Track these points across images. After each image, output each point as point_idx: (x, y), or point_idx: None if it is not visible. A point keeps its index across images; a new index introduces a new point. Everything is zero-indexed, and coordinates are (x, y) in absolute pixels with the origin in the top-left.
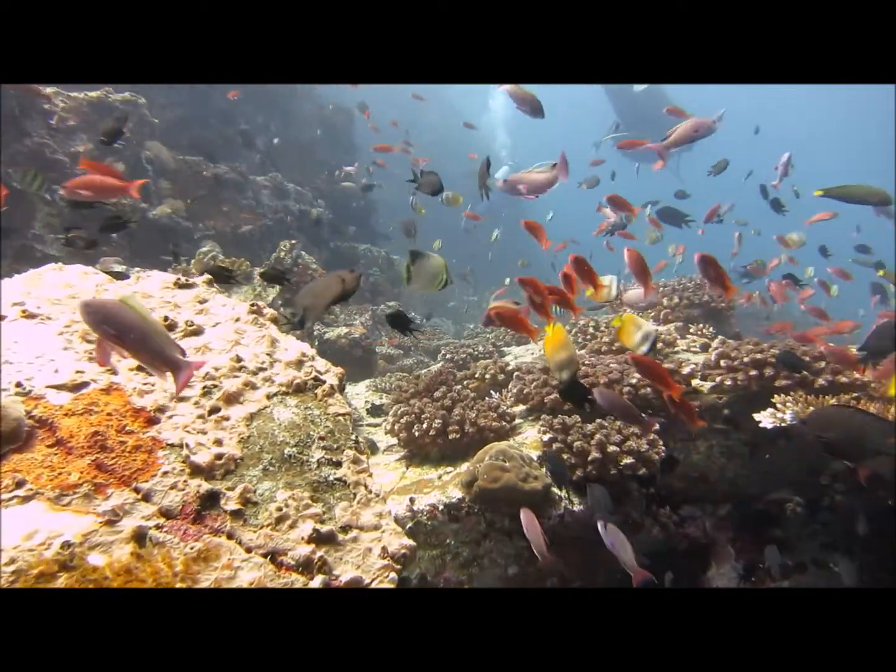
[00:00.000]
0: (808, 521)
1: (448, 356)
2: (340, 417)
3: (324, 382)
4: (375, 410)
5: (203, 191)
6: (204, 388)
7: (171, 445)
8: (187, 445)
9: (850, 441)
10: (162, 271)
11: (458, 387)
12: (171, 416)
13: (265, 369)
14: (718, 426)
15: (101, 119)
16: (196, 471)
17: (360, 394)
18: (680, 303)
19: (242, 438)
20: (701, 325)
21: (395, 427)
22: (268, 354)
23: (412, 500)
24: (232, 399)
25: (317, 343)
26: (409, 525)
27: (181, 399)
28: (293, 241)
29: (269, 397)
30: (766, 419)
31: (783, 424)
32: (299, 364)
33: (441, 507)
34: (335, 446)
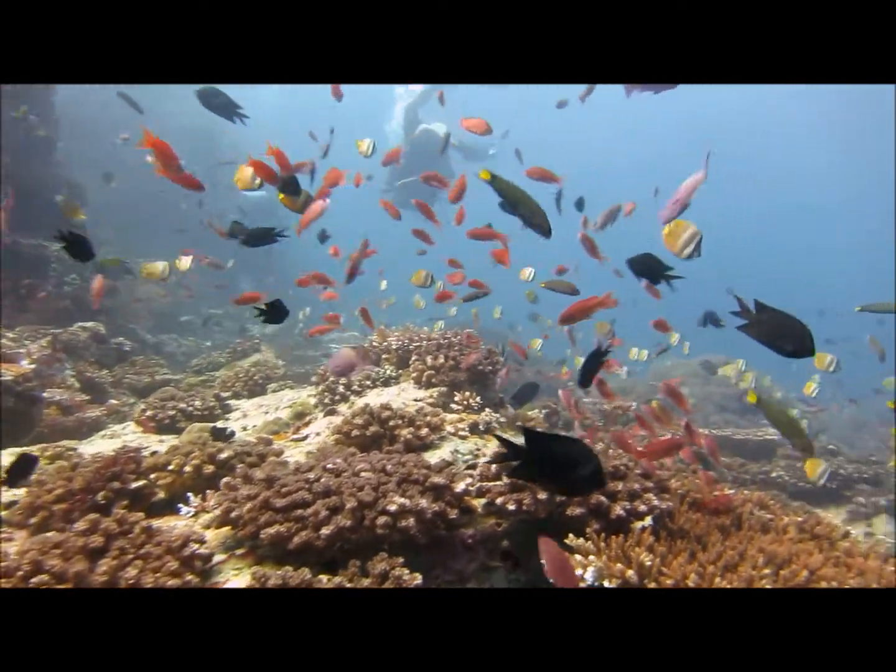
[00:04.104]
0: None
1: (148, 413)
2: None
3: None
4: None
5: None
6: None
7: None
8: None
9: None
10: None
11: (143, 482)
12: None
13: None
14: (495, 563)
15: None
16: None
17: None
18: (445, 363)
19: None
20: (467, 393)
21: None
22: None
23: None
24: None
25: None
26: None
27: None
28: None
29: None
30: None
31: (582, 586)
32: None
33: None
34: None
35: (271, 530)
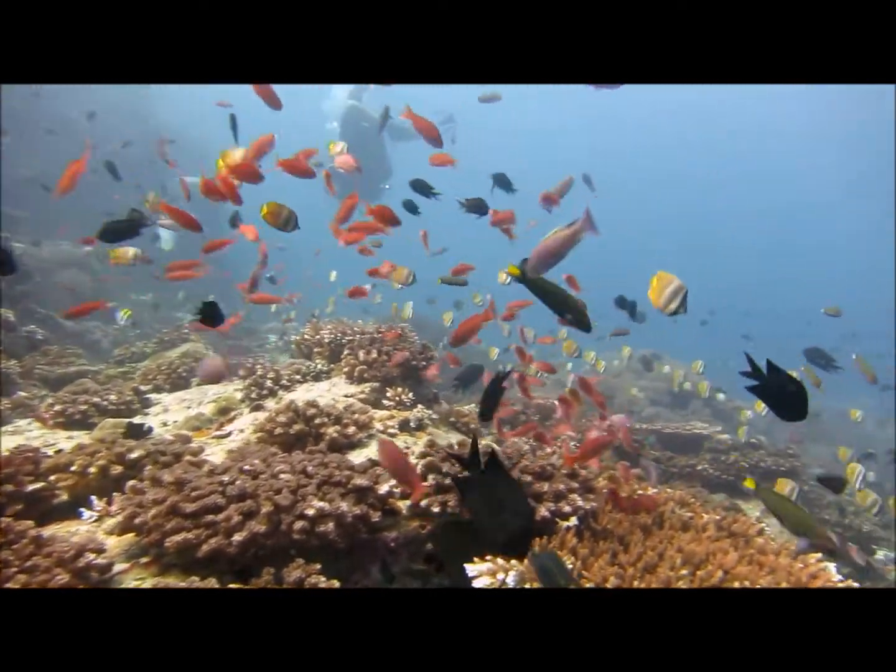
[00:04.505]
0: None
1: (57, 407)
2: None
3: None
4: None
5: None
6: None
7: None
8: None
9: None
10: None
11: (41, 485)
12: None
13: None
14: (419, 567)
15: None
16: None
17: None
18: (378, 358)
19: None
20: (400, 389)
21: None
22: None
23: None
24: None
25: None
26: None
27: None
28: None
29: None
30: (482, 578)
31: (503, 588)
32: None
33: None
34: None
35: (178, 538)
